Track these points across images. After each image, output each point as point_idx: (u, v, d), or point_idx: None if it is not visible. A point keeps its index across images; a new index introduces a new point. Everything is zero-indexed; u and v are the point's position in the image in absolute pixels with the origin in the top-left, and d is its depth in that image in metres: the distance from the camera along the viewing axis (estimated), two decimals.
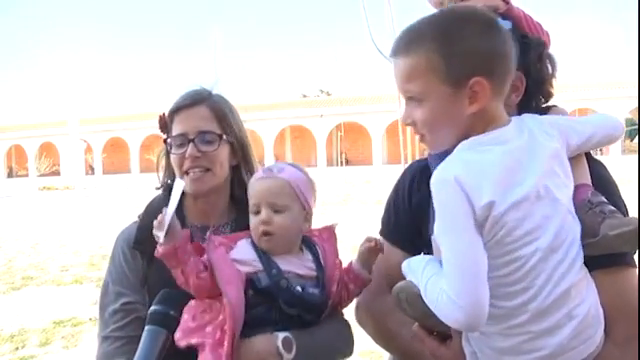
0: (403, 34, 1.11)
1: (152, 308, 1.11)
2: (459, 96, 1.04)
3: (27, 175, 43.90)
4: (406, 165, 7.56)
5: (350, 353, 1.43)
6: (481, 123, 1.06)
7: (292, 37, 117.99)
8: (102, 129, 42.65)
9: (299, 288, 1.27)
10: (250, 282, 1.25)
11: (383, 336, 1.41)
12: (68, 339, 4.97)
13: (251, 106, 42.70)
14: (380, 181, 22.19)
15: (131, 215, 1.58)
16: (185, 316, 1.24)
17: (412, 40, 1.08)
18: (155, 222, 1.20)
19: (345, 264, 1.41)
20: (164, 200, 1.47)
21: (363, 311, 1.45)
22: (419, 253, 1.39)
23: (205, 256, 1.26)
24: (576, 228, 1.05)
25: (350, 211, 13.72)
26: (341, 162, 27.95)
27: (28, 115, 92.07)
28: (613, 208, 1.08)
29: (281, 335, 1.23)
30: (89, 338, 4.87)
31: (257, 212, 1.33)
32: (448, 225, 1.02)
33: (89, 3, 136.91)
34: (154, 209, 1.44)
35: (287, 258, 1.32)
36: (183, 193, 1.45)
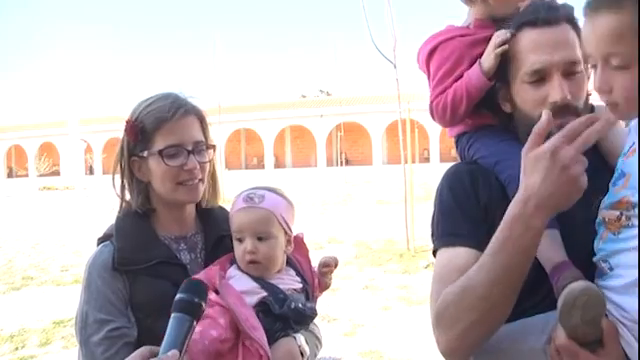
0: None
1: (177, 297, 1.12)
2: None
3: (27, 175, 43.83)
4: (406, 165, 7.39)
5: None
6: None
7: (292, 37, 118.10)
8: (102, 129, 42.54)
9: (301, 305, 1.35)
10: (263, 309, 1.29)
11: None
12: (68, 339, 4.97)
13: (251, 106, 42.70)
14: (380, 181, 22.18)
15: None
16: None
17: None
18: None
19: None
20: (133, 219, 1.43)
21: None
22: None
23: (214, 295, 1.27)
24: None
25: (350, 211, 13.71)
26: (341, 162, 27.85)
27: (28, 115, 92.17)
28: None
29: (298, 336, 1.33)
30: None
31: (240, 240, 1.36)
32: None
33: (89, 3, 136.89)
34: (126, 229, 1.42)
35: (278, 276, 1.38)
36: (154, 211, 1.46)
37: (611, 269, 1.07)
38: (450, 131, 1.46)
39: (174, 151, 1.38)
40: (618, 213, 1.06)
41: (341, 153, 29.09)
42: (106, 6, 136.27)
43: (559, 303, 1.04)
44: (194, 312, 1.11)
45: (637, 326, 1.00)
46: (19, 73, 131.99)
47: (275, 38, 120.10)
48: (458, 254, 1.22)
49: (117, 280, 1.35)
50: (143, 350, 1.14)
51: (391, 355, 4.10)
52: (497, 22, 1.36)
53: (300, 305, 1.34)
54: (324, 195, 17.86)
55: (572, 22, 1.23)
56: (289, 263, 1.43)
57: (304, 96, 60.83)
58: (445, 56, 1.36)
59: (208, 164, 1.45)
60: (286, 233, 1.40)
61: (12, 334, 5.15)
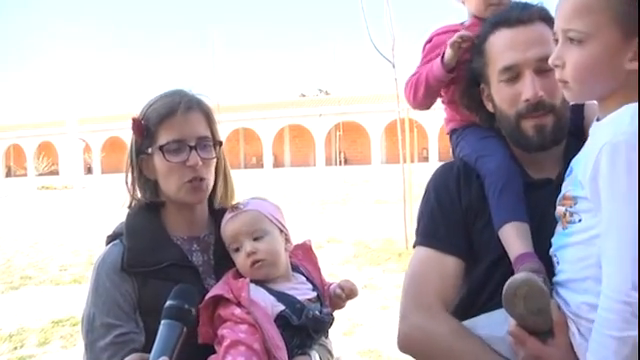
0: None
1: (167, 303, 1.12)
2: (625, 47, 0.95)
3: (26, 174, 43.78)
4: (405, 164, 7.37)
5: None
6: (630, 85, 0.96)
7: (291, 37, 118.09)
8: (101, 128, 42.55)
9: (318, 313, 1.32)
10: (282, 322, 1.26)
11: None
12: (67, 339, 4.97)
13: (250, 105, 42.66)
14: (379, 180, 22.19)
15: None
16: None
17: None
18: None
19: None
20: (144, 217, 1.40)
21: (420, 335, 1.30)
22: (472, 257, 1.29)
23: (239, 311, 1.23)
24: None
25: (349, 210, 13.72)
26: (340, 161, 27.93)
27: (26, 114, 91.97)
28: None
29: (313, 354, 1.31)
30: None
31: (237, 249, 1.34)
32: None
33: (89, 3, 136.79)
34: (137, 228, 1.38)
35: (290, 285, 1.35)
36: (163, 205, 1.42)
37: (558, 263, 1.10)
38: (446, 127, 1.52)
39: (176, 146, 1.33)
40: (564, 209, 1.09)
41: (340, 152, 29.13)
42: (106, 6, 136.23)
43: (503, 293, 1.07)
44: (184, 318, 1.12)
45: (580, 320, 1.03)
46: (18, 73, 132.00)
47: (274, 37, 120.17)
48: (433, 257, 1.29)
49: (126, 282, 1.31)
50: (134, 357, 1.13)
51: (390, 354, 4.10)
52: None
53: (317, 313, 1.32)
54: (323, 194, 17.86)
55: (547, 20, 1.24)
56: (297, 270, 1.40)
57: (303, 95, 60.80)
58: (432, 46, 1.45)
59: (214, 161, 1.41)
60: (281, 231, 1.38)
61: (11, 334, 5.14)
